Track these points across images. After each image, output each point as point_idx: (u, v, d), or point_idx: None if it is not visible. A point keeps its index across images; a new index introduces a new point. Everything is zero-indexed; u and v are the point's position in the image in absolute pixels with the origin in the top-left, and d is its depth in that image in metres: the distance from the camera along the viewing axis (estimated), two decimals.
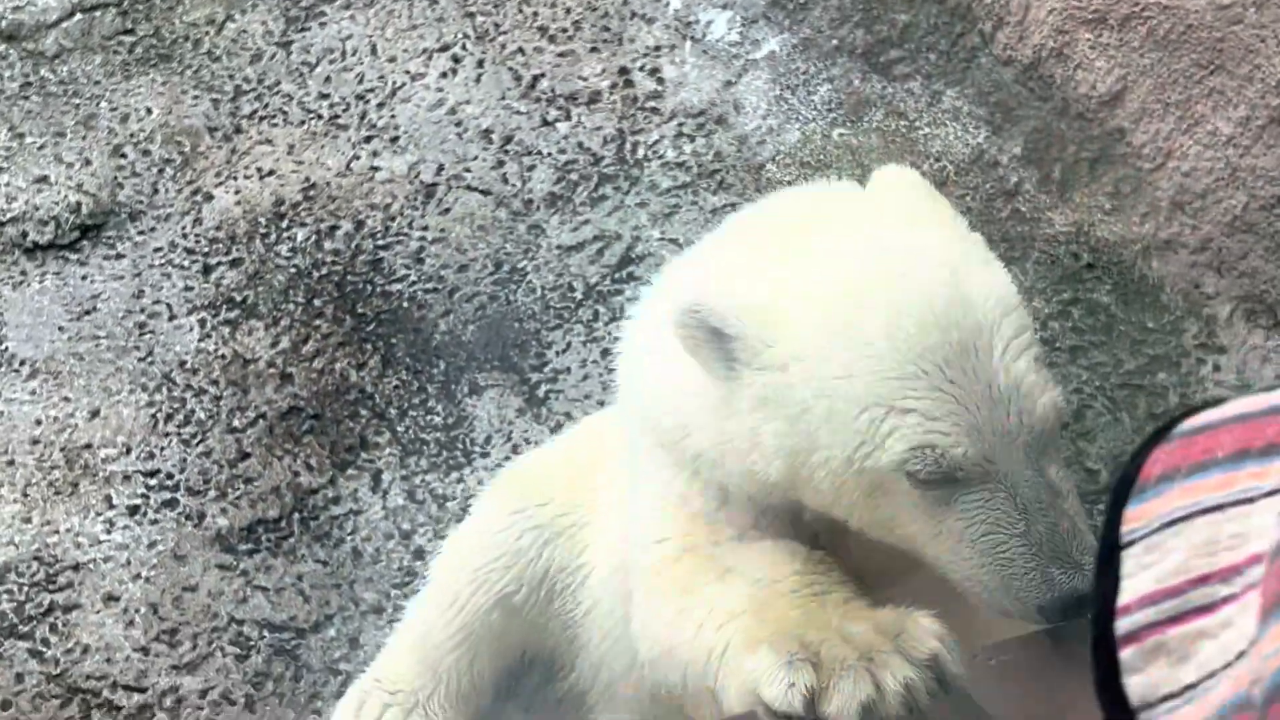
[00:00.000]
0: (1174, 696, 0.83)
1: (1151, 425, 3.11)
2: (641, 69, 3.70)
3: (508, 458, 3.07)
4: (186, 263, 3.37)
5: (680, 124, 3.61)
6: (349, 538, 2.96)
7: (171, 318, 3.29)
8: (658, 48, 3.68)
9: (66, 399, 3.17)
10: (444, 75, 3.67)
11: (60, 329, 3.28)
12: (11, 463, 3.06)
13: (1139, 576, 0.87)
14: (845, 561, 1.91)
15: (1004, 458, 1.72)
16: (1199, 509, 0.86)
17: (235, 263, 3.37)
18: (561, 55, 3.72)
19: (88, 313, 3.31)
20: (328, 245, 3.39)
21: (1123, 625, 0.87)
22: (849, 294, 1.75)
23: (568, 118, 3.60)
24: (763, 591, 1.81)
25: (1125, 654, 0.86)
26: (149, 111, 3.62)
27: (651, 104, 3.64)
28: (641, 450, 2.09)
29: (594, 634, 2.35)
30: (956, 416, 1.70)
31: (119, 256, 3.39)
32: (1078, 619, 1.72)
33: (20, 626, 2.84)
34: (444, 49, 3.68)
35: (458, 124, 3.60)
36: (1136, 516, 0.89)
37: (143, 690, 2.77)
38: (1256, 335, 3.20)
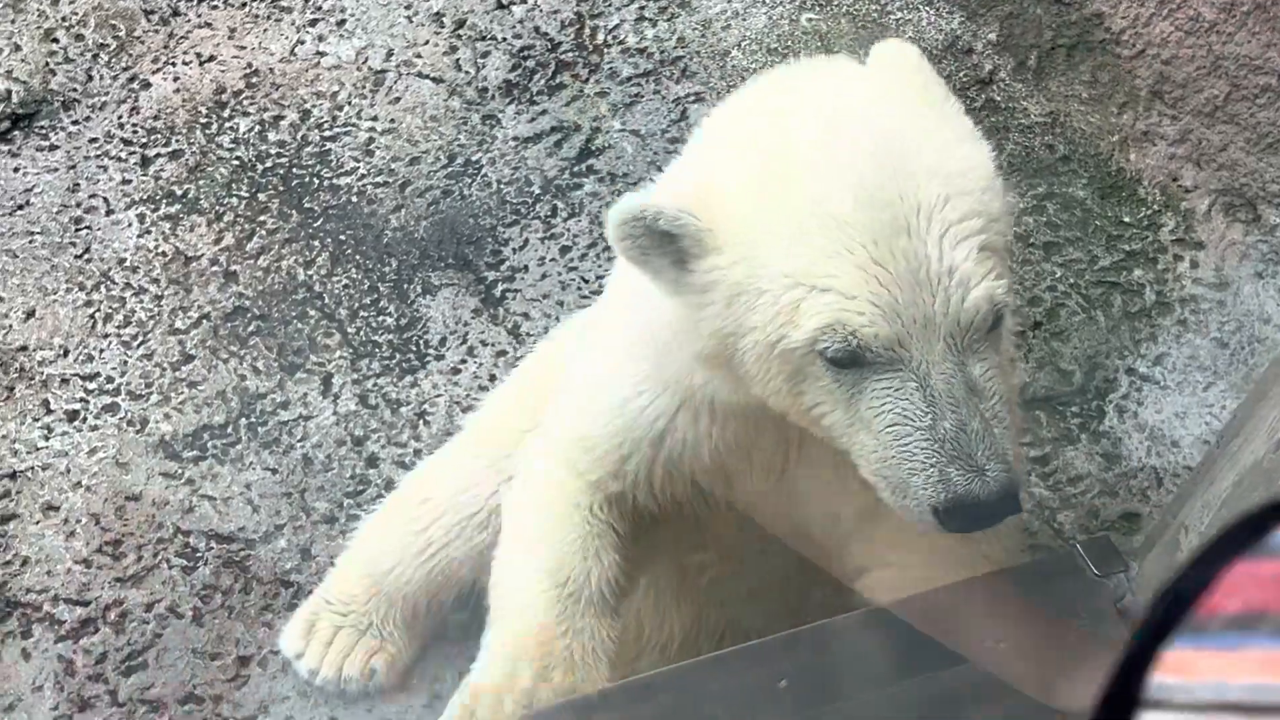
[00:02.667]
0: None
1: (1128, 326, 3.05)
2: None
3: (463, 360, 2.96)
4: (124, 154, 3.21)
5: (641, 7, 3.45)
6: (299, 444, 2.85)
7: (109, 212, 3.14)
8: None
9: (0, 299, 3.03)
10: None
11: None
12: None
13: None
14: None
15: (920, 345, 1.62)
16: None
17: (175, 154, 3.21)
18: None
19: (20, 207, 3.15)
20: (272, 136, 3.24)
21: None
22: (787, 172, 1.65)
23: (523, 1, 3.44)
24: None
25: None
26: None
27: None
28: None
29: None
30: (875, 297, 1.61)
31: (52, 148, 3.22)
32: (976, 530, 1.64)
33: None
34: None
35: (407, 7, 3.43)
36: (1182, 666, 0.66)
37: (85, 604, 2.67)
38: (1235, 230, 3.12)
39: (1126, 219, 3.15)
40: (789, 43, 3.37)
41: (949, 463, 1.60)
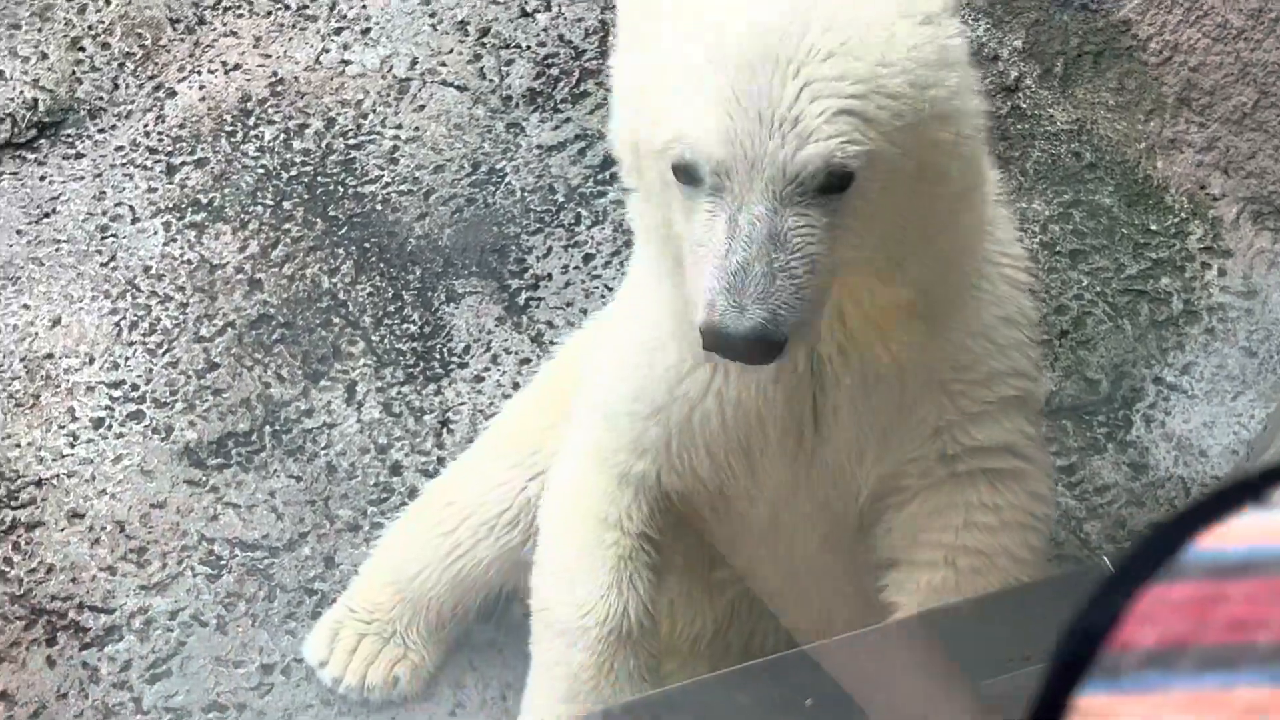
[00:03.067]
0: None
1: (1155, 334, 3.04)
2: None
3: (486, 369, 2.96)
4: (149, 163, 3.22)
5: None
6: (323, 452, 2.85)
7: (135, 221, 3.15)
8: None
9: (26, 306, 3.04)
10: None
11: (18, 232, 3.14)
12: None
13: None
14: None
15: (742, 181, 1.65)
16: None
17: (200, 163, 3.22)
18: None
19: (47, 215, 3.16)
20: (297, 144, 3.24)
21: None
22: None
23: (548, 8, 3.44)
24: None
25: None
26: (107, 2, 3.44)
27: None
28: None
29: None
30: (722, 122, 1.64)
31: (79, 156, 3.24)
32: (729, 359, 1.72)
33: None
34: None
35: (432, 15, 3.44)
36: (1100, 715, 0.58)
37: (110, 611, 2.68)
38: (1264, 238, 3.10)
39: (1153, 227, 3.13)
40: None
41: (721, 292, 1.64)
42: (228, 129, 3.26)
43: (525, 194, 3.17)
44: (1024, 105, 3.28)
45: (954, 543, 2.04)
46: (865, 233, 1.72)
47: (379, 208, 3.16)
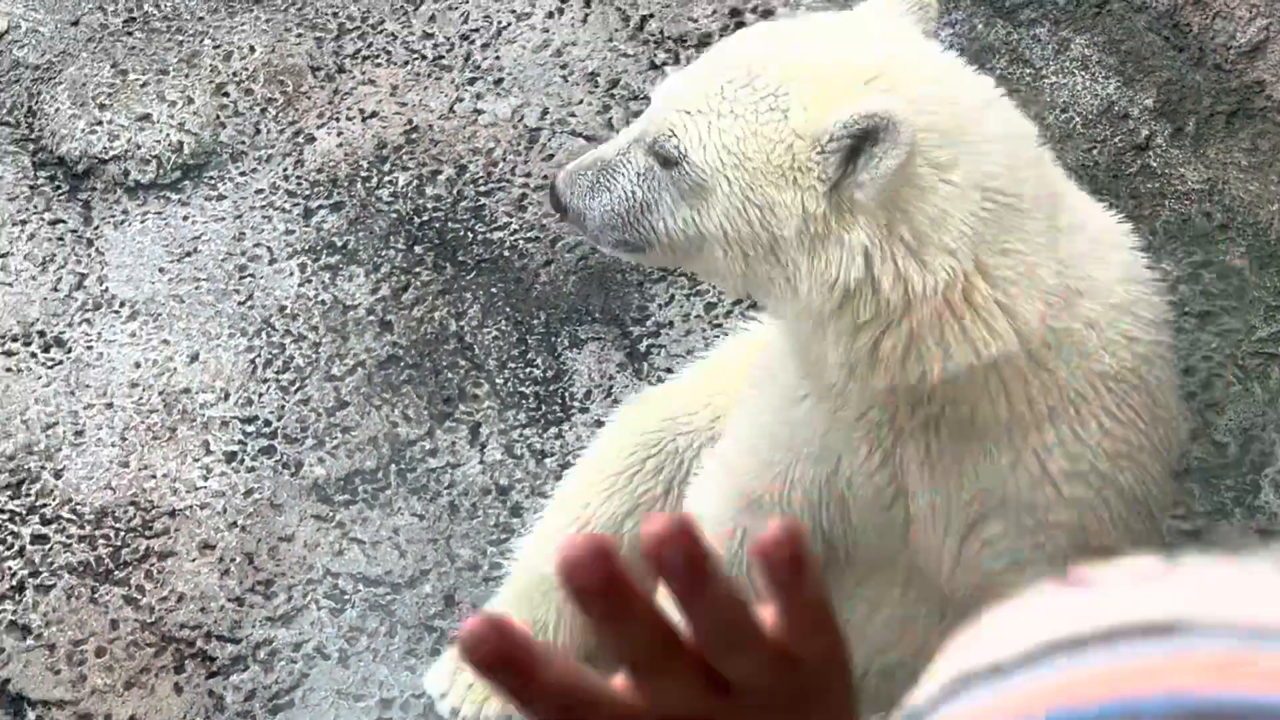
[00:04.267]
0: None
1: None
2: (754, 10, 3.57)
3: (607, 414, 3.00)
4: (288, 205, 3.32)
5: None
6: (445, 491, 2.90)
7: (272, 261, 3.25)
8: None
9: (166, 342, 3.14)
10: (550, 15, 3.57)
11: (161, 270, 3.25)
12: (110, 405, 3.05)
13: None
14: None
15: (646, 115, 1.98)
16: None
17: (336, 206, 3.32)
18: None
19: (188, 254, 3.27)
20: (429, 190, 3.32)
21: None
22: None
23: (676, 60, 3.49)
24: None
25: None
26: (252, 49, 3.56)
27: None
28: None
29: None
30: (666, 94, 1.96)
31: (220, 197, 3.35)
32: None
33: (116, 572, 2.83)
34: None
35: (563, 66, 3.51)
36: None
37: (236, 641, 2.75)
38: None
39: None
40: None
41: (582, 157, 2.08)
42: (363, 174, 3.36)
43: None
44: (1154, 164, 3.25)
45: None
46: (687, 223, 1.92)
47: (506, 254, 3.22)
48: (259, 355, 3.11)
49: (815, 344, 1.92)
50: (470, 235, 3.25)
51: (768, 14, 3.55)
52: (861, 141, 1.77)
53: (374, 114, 3.45)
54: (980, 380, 1.91)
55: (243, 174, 3.38)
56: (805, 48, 1.90)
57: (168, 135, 3.41)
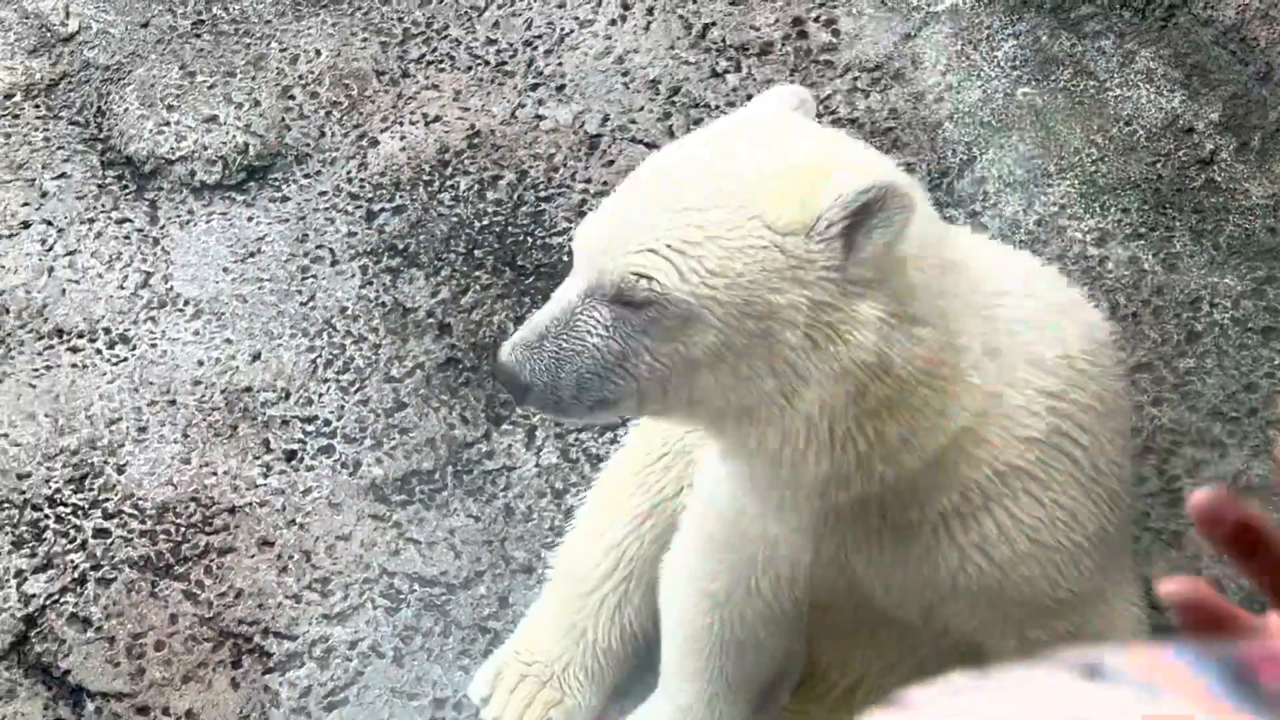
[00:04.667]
0: None
1: None
2: (816, 19, 3.57)
3: None
4: (350, 208, 3.36)
5: (855, 78, 3.48)
6: (501, 494, 2.92)
7: (334, 263, 3.28)
8: None
9: (229, 341, 3.18)
10: (613, 23, 3.59)
11: (225, 270, 3.29)
12: (173, 402, 3.09)
13: None
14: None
15: (583, 267, 1.89)
16: None
17: (398, 210, 3.35)
18: (733, 3, 3.62)
19: (252, 255, 3.31)
20: (490, 195, 3.35)
21: None
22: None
23: (738, 69, 3.50)
24: None
25: None
26: (318, 53, 3.60)
27: (825, 56, 3.52)
28: None
29: None
30: (592, 220, 1.92)
31: (284, 199, 3.39)
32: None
33: (176, 567, 2.87)
34: None
35: (625, 73, 3.52)
36: None
37: (293, 638, 2.78)
38: None
39: None
40: (1003, 117, 3.36)
41: (513, 339, 1.92)
42: (425, 178, 3.38)
43: None
44: (1219, 179, 3.23)
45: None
46: (673, 356, 1.84)
47: (565, 259, 3.23)
48: (320, 355, 3.14)
49: (787, 469, 1.90)
50: (529, 240, 3.27)
51: (830, 23, 3.56)
52: (857, 218, 1.77)
53: (437, 118, 3.48)
54: (931, 466, 1.91)
55: (306, 176, 3.42)
56: (741, 156, 1.85)
57: (234, 137, 3.46)
